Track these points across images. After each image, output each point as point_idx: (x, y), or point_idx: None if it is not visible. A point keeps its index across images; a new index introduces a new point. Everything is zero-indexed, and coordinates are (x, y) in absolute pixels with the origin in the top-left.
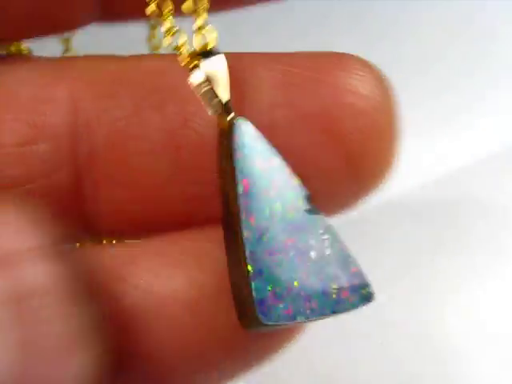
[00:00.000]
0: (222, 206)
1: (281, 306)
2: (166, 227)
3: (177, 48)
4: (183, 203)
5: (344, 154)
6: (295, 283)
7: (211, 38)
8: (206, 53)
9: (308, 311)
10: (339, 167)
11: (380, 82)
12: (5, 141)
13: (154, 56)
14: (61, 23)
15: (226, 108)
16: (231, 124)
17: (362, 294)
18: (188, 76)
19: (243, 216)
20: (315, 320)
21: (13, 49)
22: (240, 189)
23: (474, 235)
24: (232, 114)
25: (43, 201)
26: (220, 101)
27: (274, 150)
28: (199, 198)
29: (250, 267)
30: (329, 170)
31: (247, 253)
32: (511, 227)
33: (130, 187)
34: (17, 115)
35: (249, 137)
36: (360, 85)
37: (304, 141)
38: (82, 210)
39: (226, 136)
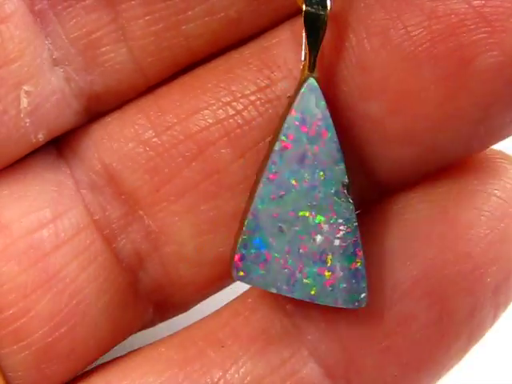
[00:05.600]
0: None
1: (260, 271)
2: None
3: None
4: None
5: None
6: (285, 256)
7: None
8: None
9: (285, 287)
10: None
11: None
12: None
13: None
14: None
15: (310, 64)
16: (301, 81)
17: (349, 295)
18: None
19: (266, 170)
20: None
21: None
22: (277, 145)
23: None
24: (310, 73)
25: None
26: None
27: (332, 122)
28: None
29: (247, 221)
30: None
31: (252, 206)
32: None
33: None
34: None
35: (311, 100)
36: None
37: None
38: None
39: (294, 91)
